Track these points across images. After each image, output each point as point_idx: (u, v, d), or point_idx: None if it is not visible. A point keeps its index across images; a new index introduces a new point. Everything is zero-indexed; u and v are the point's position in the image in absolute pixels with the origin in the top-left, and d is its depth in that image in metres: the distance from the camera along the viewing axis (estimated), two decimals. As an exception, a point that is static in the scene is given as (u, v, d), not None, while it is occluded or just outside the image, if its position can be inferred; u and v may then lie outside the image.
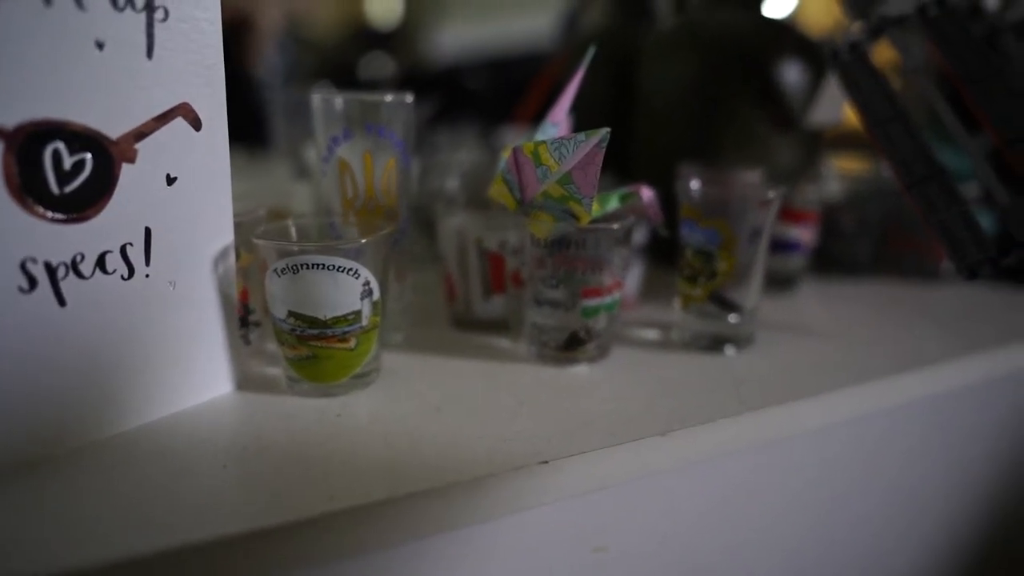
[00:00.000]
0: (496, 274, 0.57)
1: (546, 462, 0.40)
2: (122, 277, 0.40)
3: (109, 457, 0.40)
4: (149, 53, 0.39)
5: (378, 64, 2.72)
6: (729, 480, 0.50)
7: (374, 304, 0.46)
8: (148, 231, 0.41)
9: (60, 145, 0.37)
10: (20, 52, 0.34)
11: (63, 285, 0.38)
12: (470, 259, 0.57)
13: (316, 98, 0.51)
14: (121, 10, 0.37)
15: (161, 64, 0.39)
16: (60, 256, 0.38)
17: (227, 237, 0.45)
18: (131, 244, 0.40)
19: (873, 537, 0.61)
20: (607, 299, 0.51)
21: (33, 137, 0.36)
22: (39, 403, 0.38)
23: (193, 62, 0.41)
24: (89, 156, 0.38)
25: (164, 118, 0.40)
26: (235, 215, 0.47)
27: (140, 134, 0.39)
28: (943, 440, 0.64)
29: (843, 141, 0.93)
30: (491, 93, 1.47)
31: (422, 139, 0.96)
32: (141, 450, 0.40)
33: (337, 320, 0.45)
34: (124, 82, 0.38)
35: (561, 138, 0.44)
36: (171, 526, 0.34)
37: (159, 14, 0.39)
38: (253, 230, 0.47)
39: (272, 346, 0.49)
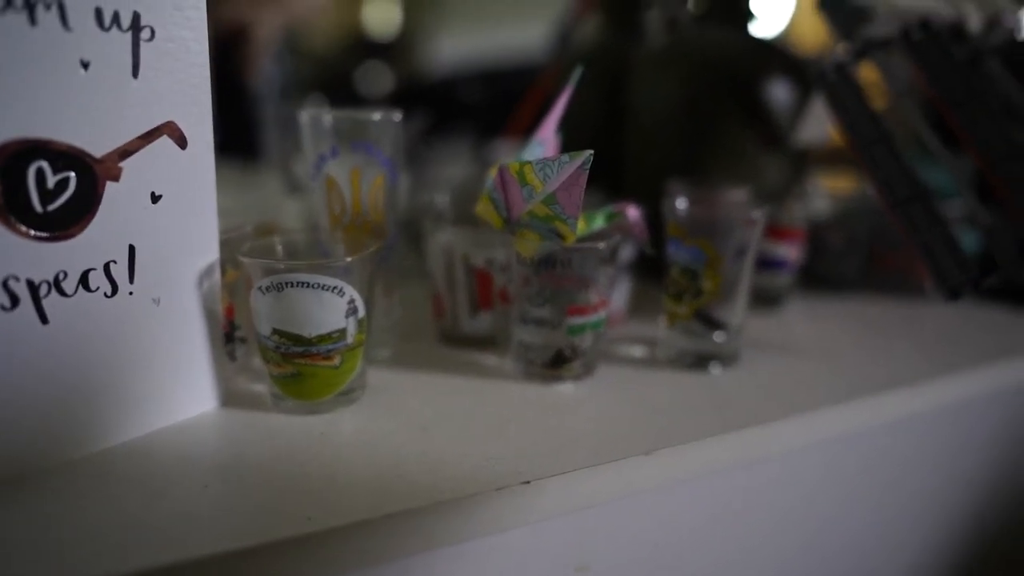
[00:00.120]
0: (483, 291, 0.57)
1: (528, 482, 0.40)
2: (105, 294, 0.40)
3: (87, 476, 0.39)
4: (135, 72, 0.39)
5: (375, 74, 2.73)
6: (714, 499, 0.50)
7: (359, 322, 0.46)
8: (132, 248, 0.41)
9: (44, 164, 0.37)
10: (5, 71, 0.35)
11: (45, 303, 0.38)
12: (457, 275, 0.57)
13: (304, 115, 0.52)
14: (107, 30, 0.38)
15: (147, 83, 0.40)
16: (43, 274, 0.38)
17: (212, 254, 0.45)
18: (115, 262, 0.41)
19: (859, 556, 0.62)
20: (593, 317, 0.51)
21: (17, 156, 0.36)
22: (19, 421, 0.38)
23: (179, 81, 0.41)
24: (73, 175, 0.38)
25: (149, 136, 0.40)
26: (222, 231, 0.47)
27: (125, 152, 0.40)
28: (928, 459, 0.64)
29: (831, 159, 0.94)
30: (485, 106, 1.47)
31: (415, 152, 0.96)
32: (120, 469, 0.40)
33: (321, 338, 0.45)
34: (109, 101, 0.38)
35: (546, 159, 0.45)
36: (146, 548, 0.34)
37: (145, 33, 0.39)
38: (240, 246, 0.47)
39: (258, 362, 0.49)
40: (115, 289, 0.41)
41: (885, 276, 0.77)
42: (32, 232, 0.37)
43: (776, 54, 0.74)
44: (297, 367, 0.46)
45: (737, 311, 0.56)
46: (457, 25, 3.10)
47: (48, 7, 0.36)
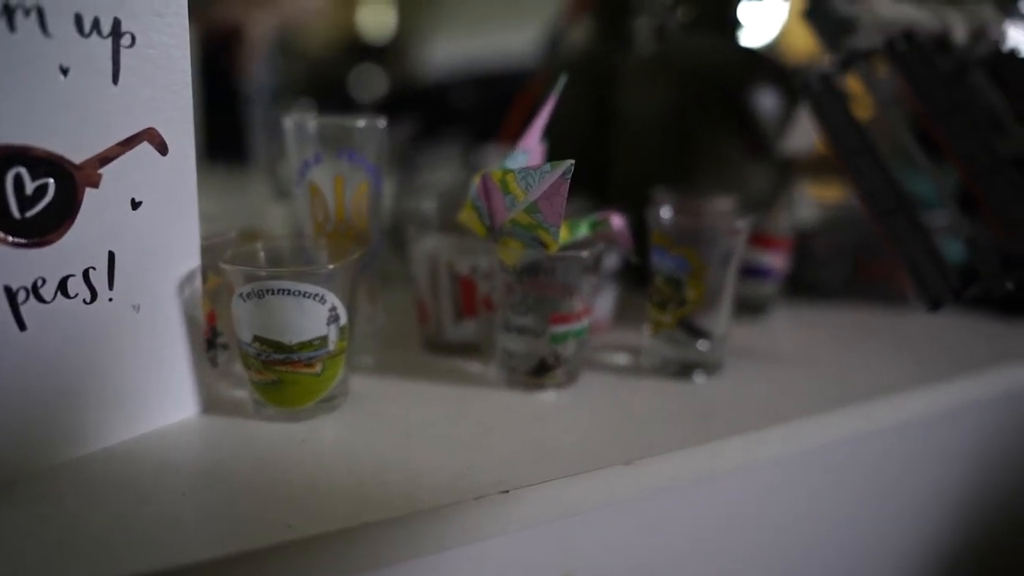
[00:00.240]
0: (467, 298, 0.57)
1: (507, 491, 0.40)
2: (84, 301, 0.40)
3: (65, 482, 0.39)
4: (115, 79, 0.39)
5: (369, 78, 2.72)
6: (696, 508, 0.51)
7: (341, 329, 0.46)
8: (112, 255, 0.41)
9: (22, 170, 0.37)
10: (-17, 78, 0.35)
11: (23, 309, 0.38)
12: (442, 283, 0.57)
13: (288, 121, 0.52)
14: (87, 36, 0.37)
15: (127, 90, 0.39)
16: (20, 280, 0.38)
17: (193, 260, 0.45)
18: (94, 268, 0.40)
19: (842, 564, 0.62)
20: (576, 326, 0.51)
21: (-6, 162, 0.36)
22: (-4, 428, 0.38)
23: (160, 87, 0.41)
24: (52, 181, 0.38)
25: (129, 143, 0.40)
26: (205, 237, 0.47)
27: (105, 159, 0.39)
28: (912, 468, 0.64)
29: (818, 168, 0.95)
30: (477, 111, 1.47)
31: (404, 158, 0.96)
32: (99, 475, 0.40)
33: (303, 345, 0.45)
34: (89, 107, 0.38)
35: (528, 168, 0.45)
36: (123, 555, 0.34)
37: (126, 40, 0.39)
38: (222, 252, 0.47)
39: (240, 368, 0.49)
40: (94, 296, 0.41)
41: (870, 285, 0.78)
42: (10, 238, 0.37)
43: (763, 63, 0.74)
44: (278, 374, 0.45)
45: (721, 320, 0.56)
46: (451, 29, 3.10)
47: (27, 13, 0.35)
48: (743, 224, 0.55)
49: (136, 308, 0.43)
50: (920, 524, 0.67)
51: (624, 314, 0.67)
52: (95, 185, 0.39)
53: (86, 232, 0.40)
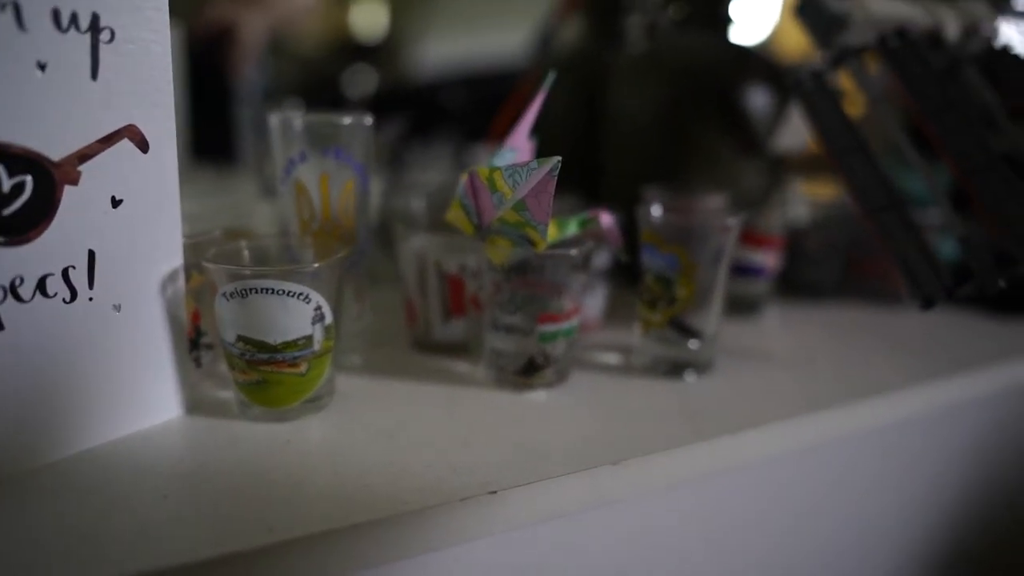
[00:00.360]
0: (456, 297, 0.57)
1: (494, 492, 0.39)
2: (64, 300, 0.40)
3: (46, 485, 0.39)
4: (94, 74, 0.38)
5: (362, 78, 2.72)
6: (684, 508, 0.50)
7: (326, 328, 0.46)
8: (92, 254, 0.40)
9: (-1, 167, 0.36)
10: (-43, 73, 0.34)
11: (1, 309, 0.37)
12: (430, 282, 0.56)
13: (274, 118, 0.51)
14: (64, 31, 0.37)
15: (106, 86, 0.39)
16: (-2, 279, 0.37)
17: (176, 259, 0.45)
18: (73, 267, 0.40)
19: (833, 564, 0.61)
20: (565, 325, 0.51)
21: (-31, 159, 0.35)
22: (-28, 430, 0.37)
23: (141, 83, 0.40)
24: (30, 178, 0.37)
25: (109, 140, 0.40)
26: (189, 235, 0.46)
27: (84, 156, 0.39)
28: (904, 467, 0.64)
29: (810, 166, 0.94)
30: (467, 110, 1.47)
31: (394, 157, 0.96)
32: (80, 478, 0.39)
33: (287, 345, 0.44)
34: (67, 104, 0.38)
35: (514, 165, 0.44)
36: (104, 559, 0.33)
37: (105, 35, 0.38)
38: (206, 251, 0.46)
39: (225, 369, 0.48)
40: (74, 295, 0.40)
41: (863, 283, 0.77)
42: (-14, 237, 0.36)
43: (755, 61, 0.74)
44: (263, 374, 0.45)
45: (712, 319, 0.56)
46: (443, 29, 3.10)
47: (3, 8, 0.35)
48: (734, 222, 0.54)
49: (117, 308, 0.42)
50: (916, 523, 0.66)
51: (614, 313, 0.67)
52: (74, 183, 0.39)
53: (65, 230, 0.39)
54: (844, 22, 0.61)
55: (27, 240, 0.38)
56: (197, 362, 0.50)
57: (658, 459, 0.44)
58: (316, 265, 0.45)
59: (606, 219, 0.53)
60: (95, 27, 0.38)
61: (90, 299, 0.41)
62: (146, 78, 0.41)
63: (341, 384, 0.51)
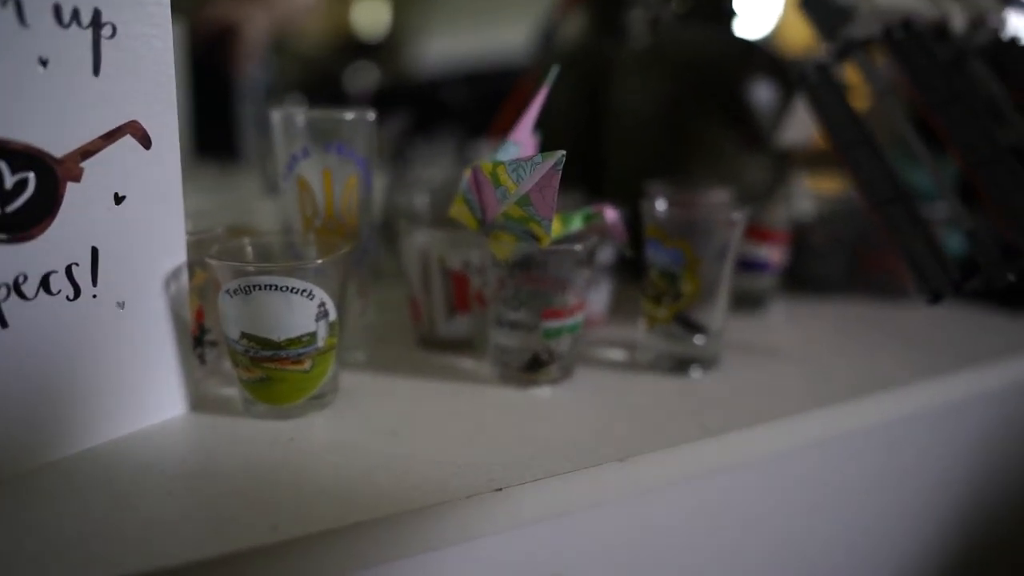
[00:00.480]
0: (460, 293, 0.56)
1: (500, 489, 0.39)
2: (67, 298, 0.40)
3: (50, 483, 0.39)
4: (96, 70, 0.38)
5: (364, 75, 2.71)
6: (692, 505, 0.50)
7: (330, 325, 0.46)
8: (95, 251, 0.40)
9: (1, 164, 0.36)
10: (-42, 69, 0.34)
11: (4, 306, 0.37)
12: (433, 278, 0.56)
13: (276, 114, 0.51)
14: (66, 27, 0.37)
15: (108, 81, 0.39)
16: (1, 277, 0.37)
17: (179, 256, 0.45)
18: (77, 264, 0.40)
19: (841, 561, 0.61)
20: (569, 321, 0.51)
21: (-29, 156, 0.35)
22: (-24, 428, 0.37)
23: (143, 79, 0.40)
24: (32, 175, 0.37)
25: (112, 136, 0.39)
26: (192, 232, 0.46)
27: (86, 152, 0.39)
28: (911, 463, 0.63)
29: (815, 160, 0.94)
30: (469, 106, 1.46)
31: (397, 153, 0.96)
32: (84, 476, 0.39)
33: (291, 342, 0.44)
34: (69, 100, 0.37)
35: (518, 159, 0.44)
36: (108, 557, 0.33)
37: (106, 31, 0.38)
38: (210, 248, 0.46)
39: (229, 366, 0.48)
40: (77, 292, 0.40)
41: (870, 277, 0.77)
42: (-11, 234, 0.36)
43: (759, 54, 0.73)
44: (266, 371, 0.45)
45: (717, 314, 0.55)
46: (445, 25, 3.09)
47: (4, 3, 0.35)
48: (739, 216, 0.54)
49: (121, 305, 0.42)
50: (924, 518, 0.66)
51: (619, 308, 0.67)
52: (77, 179, 0.39)
53: (68, 227, 0.39)
54: (849, 14, 0.60)
55: (30, 237, 0.37)
56: (201, 359, 0.49)
57: (665, 456, 0.44)
58: (319, 261, 0.44)
59: (610, 214, 0.53)
60: (97, 22, 0.38)
61: (94, 296, 0.40)
62: (148, 74, 0.40)
63: (345, 381, 0.51)
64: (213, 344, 0.51)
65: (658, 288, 0.55)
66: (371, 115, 0.51)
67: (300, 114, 0.50)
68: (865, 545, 0.62)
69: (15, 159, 0.36)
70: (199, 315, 0.49)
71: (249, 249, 0.48)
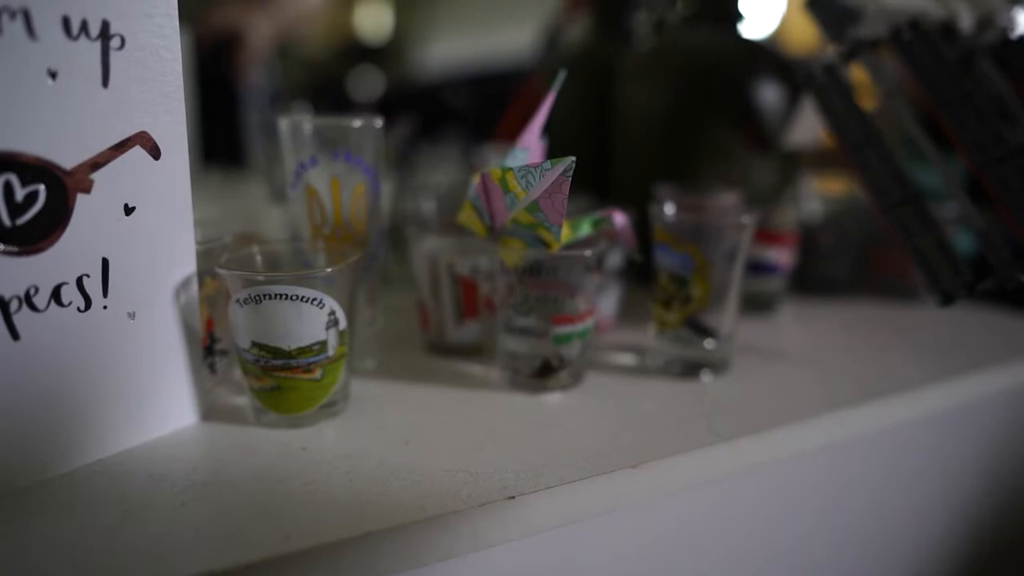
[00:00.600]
0: (469, 299, 0.56)
1: (512, 497, 0.39)
2: (78, 309, 0.40)
3: (62, 495, 0.38)
4: (105, 82, 0.38)
5: (368, 79, 2.72)
6: (701, 510, 0.50)
7: (341, 334, 0.45)
8: (105, 262, 0.40)
9: (12, 177, 0.36)
10: (-32, 83, 0.34)
11: (16, 318, 0.37)
12: (442, 284, 0.56)
13: (283, 122, 0.51)
14: (75, 39, 0.37)
15: (117, 93, 0.39)
16: (13, 289, 0.37)
17: (189, 266, 0.45)
18: (88, 275, 0.40)
19: (854, 564, 0.61)
20: (579, 326, 0.50)
21: (-18, 169, 0.35)
22: (-11, 441, 0.37)
23: (152, 90, 0.40)
24: (42, 187, 0.37)
25: (121, 147, 0.39)
26: (201, 242, 0.46)
27: (96, 164, 0.39)
28: (924, 466, 0.63)
29: (823, 160, 0.93)
30: (473, 109, 1.46)
31: (402, 158, 0.95)
32: (96, 487, 0.39)
33: (302, 351, 0.44)
34: (78, 112, 0.37)
35: (528, 166, 0.44)
36: (121, 569, 0.33)
37: (115, 42, 0.38)
38: (219, 257, 0.46)
39: (240, 375, 0.48)
40: (88, 304, 0.40)
41: (879, 278, 0.77)
42: (1, 246, 0.36)
43: (765, 55, 0.73)
44: (277, 380, 0.45)
45: (728, 317, 0.55)
46: (448, 29, 3.10)
47: (13, 16, 0.35)
48: (749, 219, 0.54)
49: (132, 315, 0.42)
50: (934, 521, 0.66)
51: (628, 312, 0.66)
52: (87, 191, 0.39)
53: (79, 239, 0.39)
54: (856, 15, 0.60)
55: (41, 249, 0.37)
56: (211, 368, 0.49)
57: (677, 462, 0.44)
58: (329, 270, 0.44)
59: (619, 219, 0.53)
60: (105, 34, 0.38)
61: (104, 307, 0.40)
62: (157, 85, 0.40)
63: (355, 388, 0.51)
64: (223, 353, 0.51)
65: (668, 292, 0.55)
66: (378, 122, 0.51)
67: (307, 122, 0.50)
68: (876, 548, 0.62)
69: (25, 172, 0.36)
70: (209, 324, 0.49)
71: (259, 258, 0.48)
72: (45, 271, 0.38)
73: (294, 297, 0.43)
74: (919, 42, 0.57)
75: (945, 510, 0.66)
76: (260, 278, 0.43)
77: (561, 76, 0.51)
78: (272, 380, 0.45)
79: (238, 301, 0.43)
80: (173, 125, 0.42)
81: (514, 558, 0.42)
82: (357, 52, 3.19)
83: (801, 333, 0.69)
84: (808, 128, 0.70)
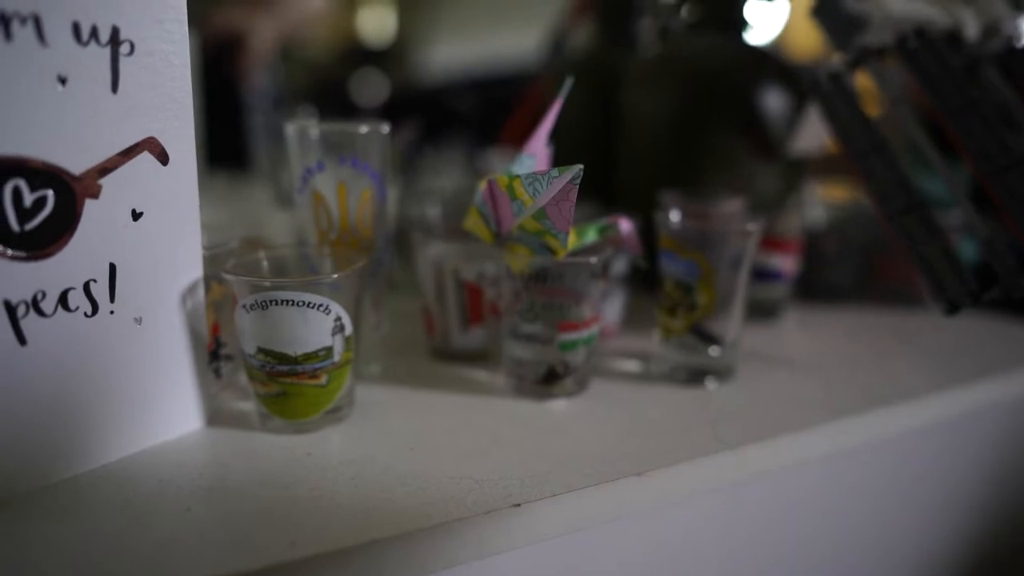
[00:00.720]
0: (474, 305, 0.56)
1: (518, 505, 0.39)
2: (85, 314, 0.40)
3: (67, 499, 0.39)
4: (114, 87, 0.38)
5: (370, 82, 2.72)
6: (706, 517, 0.50)
7: (346, 339, 0.46)
8: (113, 267, 0.40)
9: (20, 182, 0.36)
10: (-22, 88, 0.34)
11: (23, 323, 0.37)
12: (448, 290, 0.56)
13: (290, 128, 0.51)
14: (85, 44, 0.37)
15: (126, 98, 0.39)
16: (20, 294, 0.37)
17: (196, 271, 0.45)
18: (95, 280, 0.40)
19: (854, 570, 0.61)
20: (585, 333, 0.50)
21: (-9, 174, 0.35)
22: (-4, 445, 0.37)
23: (161, 96, 0.40)
24: (51, 193, 0.37)
25: (130, 153, 0.40)
26: (207, 247, 0.46)
27: (104, 169, 0.39)
28: (928, 474, 0.63)
29: (827, 167, 0.93)
30: (477, 113, 1.47)
31: (406, 162, 0.96)
32: (102, 492, 0.39)
33: (308, 356, 0.44)
34: (87, 117, 0.37)
35: (535, 173, 0.44)
36: (125, 575, 0.33)
37: (124, 48, 0.38)
38: (225, 262, 0.46)
39: (245, 380, 0.48)
40: (95, 308, 0.40)
41: (884, 285, 0.77)
42: (9, 251, 0.36)
43: (770, 62, 0.73)
44: (283, 386, 0.45)
45: (733, 324, 0.55)
46: (452, 32, 3.10)
47: (24, 22, 0.35)
48: (754, 226, 0.54)
49: (138, 321, 0.42)
50: (939, 529, 0.66)
51: (633, 319, 0.66)
52: (95, 196, 0.39)
53: (86, 244, 0.39)
54: (862, 23, 0.60)
55: (49, 255, 0.38)
56: (217, 373, 0.49)
57: (682, 469, 0.44)
58: (335, 276, 0.44)
59: (625, 226, 0.53)
60: (115, 40, 0.38)
61: (111, 312, 0.41)
62: (166, 90, 0.40)
63: (361, 394, 0.51)
64: (229, 358, 0.51)
65: (673, 299, 0.55)
66: (385, 128, 0.51)
67: (314, 127, 0.50)
68: (879, 554, 0.62)
69: (34, 177, 0.36)
70: (215, 329, 0.49)
71: (265, 263, 0.48)
72: (53, 276, 0.38)
73: (300, 303, 0.43)
74: (925, 50, 0.57)
75: (948, 517, 0.66)
76: (266, 284, 0.43)
77: (568, 83, 0.51)
78: (278, 386, 0.45)
79: (244, 306, 0.44)
80: (182, 131, 0.42)
81: (519, 566, 0.42)
82: (360, 55, 3.19)
83: (805, 340, 0.69)
84: (813, 135, 0.70)
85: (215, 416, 0.48)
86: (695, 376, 0.55)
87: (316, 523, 0.37)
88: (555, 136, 0.54)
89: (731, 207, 0.65)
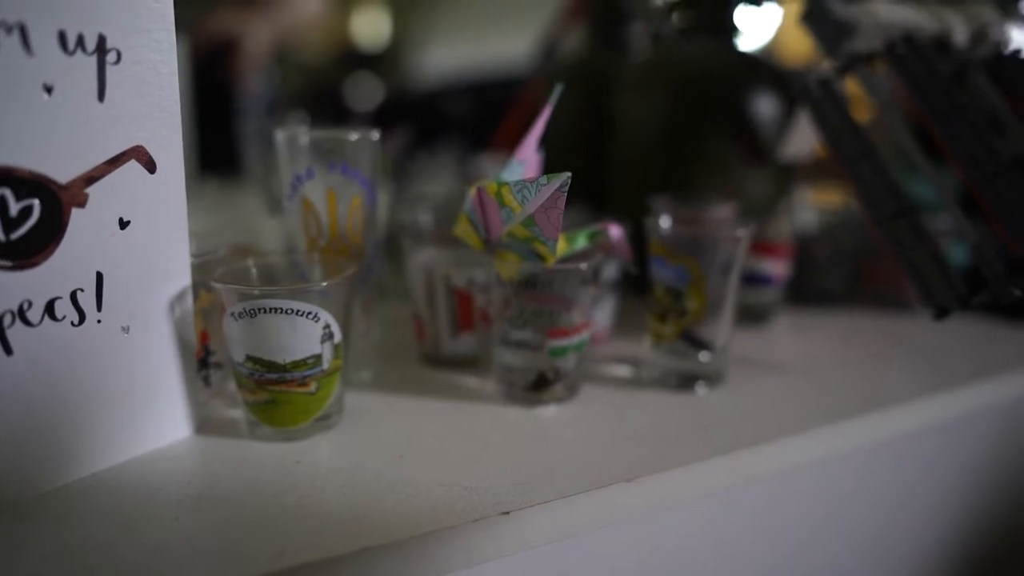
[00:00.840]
0: (464, 311, 0.56)
1: (507, 512, 0.39)
2: (72, 323, 0.39)
3: (55, 509, 0.38)
4: (100, 96, 0.38)
5: (365, 86, 2.72)
6: (698, 523, 0.50)
7: (336, 347, 0.45)
8: (100, 276, 0.40)
9: (6, 191, 0.36)
10: (-37, 98, 0.34)
11: (9, 333, 0.37)
12: (438, 296, 0.56)
13: (280, 134, 0.51)
14: (71, 53, 0.37)
15: (113, 107, 0.39)
16: (6, 304, 0.37)
17: (184, 280, 0.44)
18: (82, 290, 0.39)
19: (849, 574, 0.61)
20: (575, 339, 0.50)
21: (-24, 184, 0.35)
22: (-19, 456, 0.37)
23: (148, 104, 0.40)
24: (37, 202, 0.37)
25: (116, 161, 0.39)
26: (196, 254, 0.46)
27: (91, 178, 0.39)
28: (919, 478, 0.63)
29: (818, 172, 0.94)
30: (470, 117, 1.47)
31: (398, 167, 0.96)
32: (90, 501, 0.39)
33: (296, 364, 0.44)
34: (74, 126, 0.37)
35: (524, 180, 0.44)
36: (113, 587, 0.33)
37: (111, 56, 0.38)
38: (214, 269, 0.46)
39: (234, 387, 0.48)
40: (82, 318, 0.40)
41: (874, 289, 0.77)
42: (-6, 261, 0.36)
43: (761, 68, 0.73)
44: (272, 394, 0.45)
45: (723, 330, 0.55)
46: (446, 37, 3.10)
47: (9, 31, 0.35)
48: (744, 232, 0.54)
49: (126, 329, 0.42)
50: (932, 533, 0.66)
51: (623, 324, 0.66)
52: (81, 205, 0.39)
53: (73, 253, 0.39)
54: (852, 29, 0.60)
55: (35, 264, 0.37)
56: (206, 381, 0.49)
57: (673, 475, 0.44)
58: (324, 283, 0.44)
59: (615, 231, 0.53)
60: (102, 49, 0.38)
61: (98, 321, 0.40)
62: (153, 99, 0.40)
63: (350, 401, 0.51)
64: (218, 366, 0.51)
65: (663, 305, 0.55)
66: (375, 135, 0.51)
67: (304, 135, 0.50)
68: (874, 559, 0.62)
69: (20, 186, 0.36)
70: (204, 337, 0.49)
71: (254, 271, 0.48)
72: (39, 285, 0.38)
73: (289, 311, 0.43)
74: (913, 56, 0.57)
75: (943, 520, 0.66)
76: (255, 292, 0.43)
77: (559, 90, 0.51)
78: (267, 393, 0.45)
79: (233, 315, 0.43)
80: (169, 139, 0.42)
81: (508, 573, 0.42)
82: (354, 59, 3.19)
83: (796, 344, 0.69)
84: (803, 140, 0.70)
85: (204, 424, 0.48)
86: (686, 381, 0.55)
87: (305, 531, 0.37)
88: (546, 141, 0.55)
89: (722, 212, 0.65)
